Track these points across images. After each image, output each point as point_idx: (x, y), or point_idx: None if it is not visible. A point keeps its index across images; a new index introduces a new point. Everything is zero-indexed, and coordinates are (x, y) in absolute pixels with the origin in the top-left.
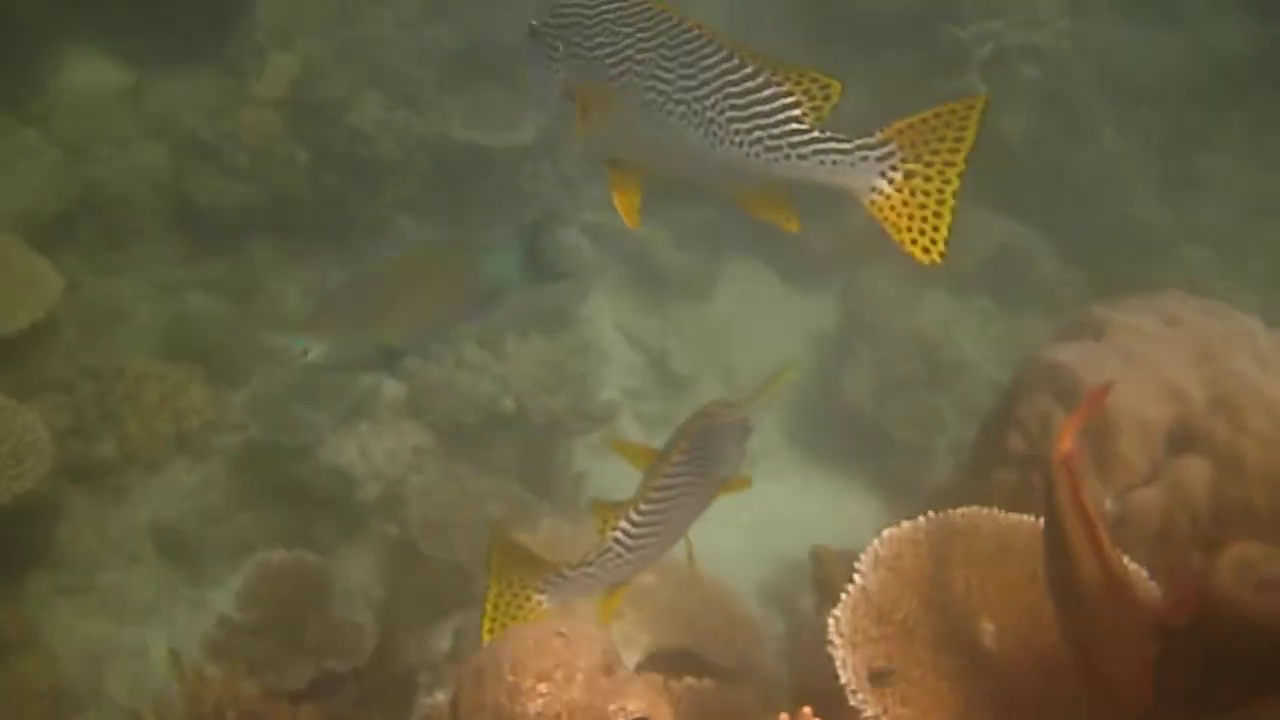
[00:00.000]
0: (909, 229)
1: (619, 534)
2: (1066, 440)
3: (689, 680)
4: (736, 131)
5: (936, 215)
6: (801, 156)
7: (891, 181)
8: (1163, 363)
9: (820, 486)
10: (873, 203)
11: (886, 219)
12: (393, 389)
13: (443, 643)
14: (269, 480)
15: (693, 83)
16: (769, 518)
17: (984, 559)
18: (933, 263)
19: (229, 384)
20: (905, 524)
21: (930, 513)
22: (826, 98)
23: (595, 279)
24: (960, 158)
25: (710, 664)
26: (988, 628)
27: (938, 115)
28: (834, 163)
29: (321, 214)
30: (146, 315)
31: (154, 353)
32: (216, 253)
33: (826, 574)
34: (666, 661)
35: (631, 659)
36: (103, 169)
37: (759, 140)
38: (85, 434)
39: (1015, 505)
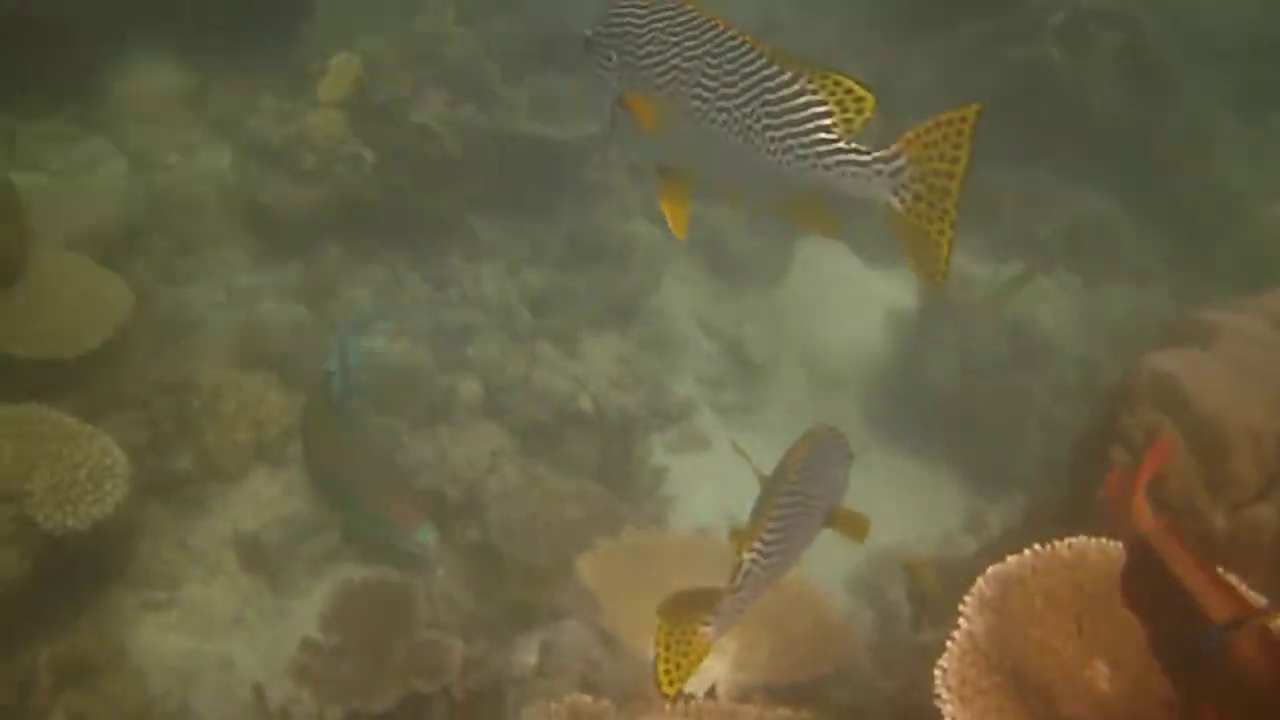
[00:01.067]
0: (917, 253)
1: (754, 555)
2: (1145, 514)
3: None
4: (771, 139)
5: (940, 235)
6: (826, 167)
7: (903, 201)
8: (1275, 371)
9: (905, 471)
10: (889, 220)
11: (902, 238)
12: (470, 389)
13: (529, 657)
14: None
15: (733, 90)
16: (856, 505)
17: (1095, 595)
18: (938, 286)
19: (305, 391)
20: (1010, 561)
21: (1036, 546)
22: (860, 110)
23: (667, 266)
24: (955, 183)
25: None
26: (1103, 670)
27: (939, 126)
28: (854, 174)
29: (390, 214)
30: (220, 323)
31: (229, 361)
32: (287, 256)
33: (922, 587)
34: (754, 670)
35: (720, 667)
36: (170, 175)
37: (790, 149)
38: (163, 449)
39: None
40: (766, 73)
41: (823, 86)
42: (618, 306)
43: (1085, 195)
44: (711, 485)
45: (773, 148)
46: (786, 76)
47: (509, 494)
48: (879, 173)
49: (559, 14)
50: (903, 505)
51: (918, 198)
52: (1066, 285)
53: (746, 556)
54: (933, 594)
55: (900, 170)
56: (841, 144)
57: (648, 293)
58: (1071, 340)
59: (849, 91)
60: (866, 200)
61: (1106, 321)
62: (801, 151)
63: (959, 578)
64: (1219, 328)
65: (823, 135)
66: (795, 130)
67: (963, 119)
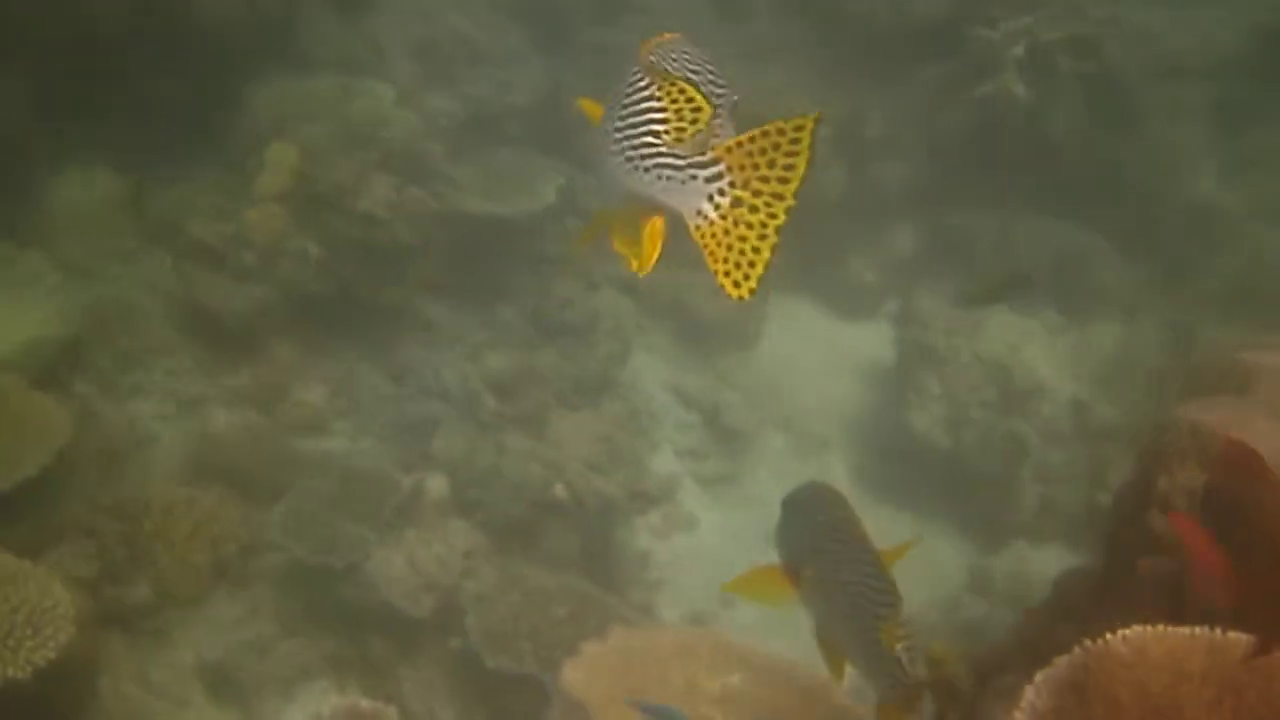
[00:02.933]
0: (725, 259)
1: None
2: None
3: None
4: (615, 141)
5: (755, 251)
6: (645, 170)
7: (717, 208)
8: None
9: (900, 530)
10: (696, 227)
11: (706, 246)
12: (436, 487)
13: None
14: (317, 603)
15: (617, 105)
16: None
17: (1161, 693)
18: (740, 298)
19: (264, 501)
20: (1060, 663)
21: (1086, 642)
22: (694, 120)
23: (635, 337)
24: (790, 190)
25: None
26: None
27: (767, 135)
28: (668, 179)
29: (342, 307)
30: (170, 437)
31: (181, 478)
32: (236, 360)
33: (948, 678)
34: None
35: None
36: (109, 287)
37: (623, 150)
38: (116, 578)
39: (1173, 600)
40: (631, 81)
41: (666, 94)
42: (587, 383)
43: (1063, 230)
44: (701, 566)
45: (613, 149)
46: (641, 83)
47: (487, 597)
48: (693, 177)
49: (497, 86)
50: (900, 567)
51: (736, 204)
52: (1051, 324)
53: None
54: (960, 687)
55: (718, 176)
56: (661, 148)
57: (618, 366)
58: (1061, 381)
59: (689, 100)
60: (674, 210)
61: (1095, 359)
62: (630, 154)
63: (990, 669)
64: (1256, 371)
65: (648, 139)
66: (631, 132)
67: (799, 127)
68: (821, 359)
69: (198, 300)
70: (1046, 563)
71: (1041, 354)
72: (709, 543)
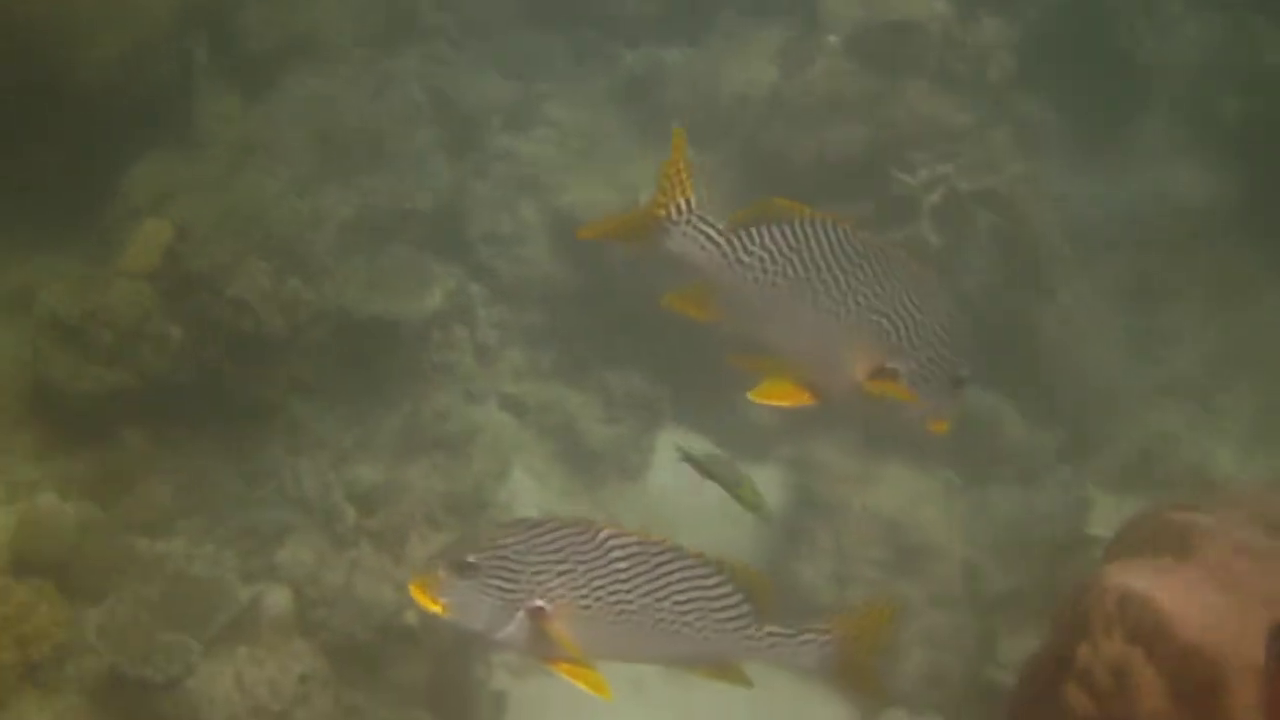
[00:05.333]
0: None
1: None
2: None
3: None
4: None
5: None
6: (757, 640)
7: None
8: (1276, 587)
9: (779, 691)
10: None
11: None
12: (277, 601)
13: None
14: (134, 717)
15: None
16: None
17: None
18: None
19: (89, 600)
20: None
21: None
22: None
23: (515, 458)
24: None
25: None
26: None
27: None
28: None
29: (201, 398)
30: None
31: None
32: (78, 445)
33: None
34: None
35: None
36: None
37: (725, 631)
38: None
39: None
40: (702, 578)
41: (734, 576)
42: (458, 502)
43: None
44: (558, 714)
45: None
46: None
47: None
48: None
49: (399, 187)
50: None
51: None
52: (949, 484)
53: None
54: None
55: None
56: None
57: (493, 487)
58: (954, 543)
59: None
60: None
61: (992, 523)
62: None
63: None
64: (1193, 532)
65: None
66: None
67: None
68: (708, 499)
69: (44, 377)
70: None
71: (937, 514)
72: (568, 691)
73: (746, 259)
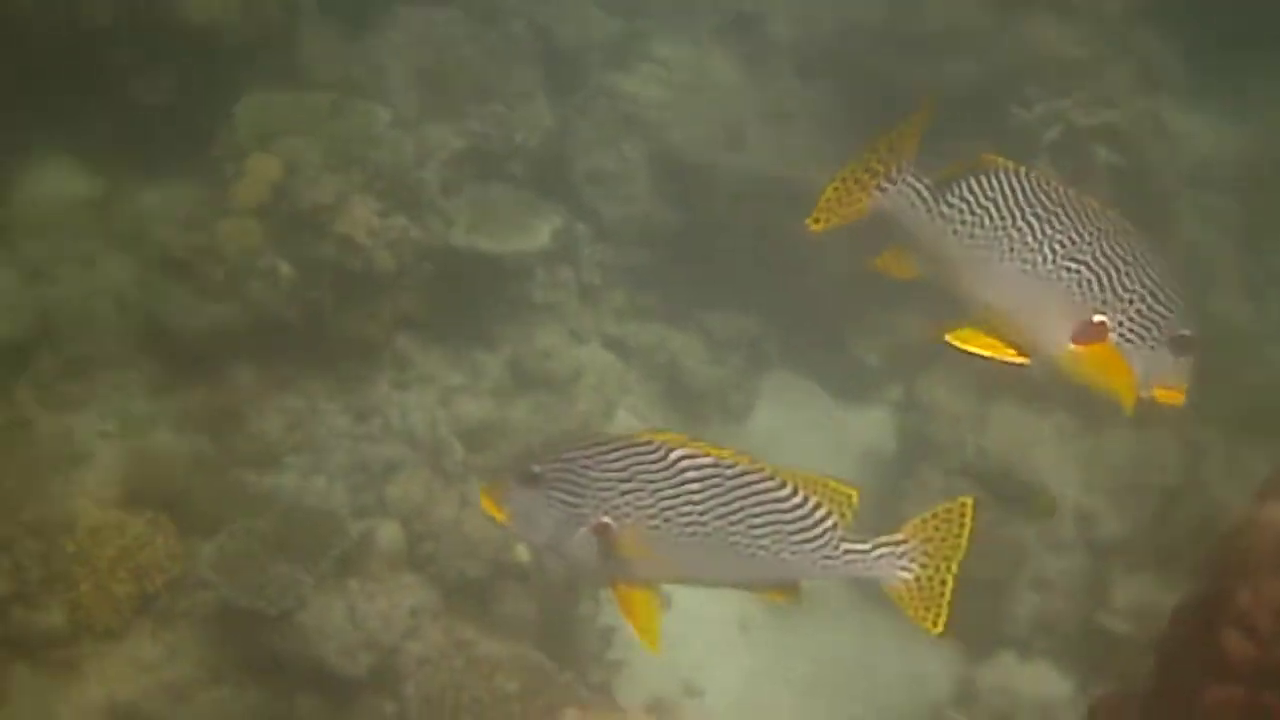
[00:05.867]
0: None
1: None
2: None
3: None
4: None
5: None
6: (836, 558)
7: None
8: None
9: (885, 632)
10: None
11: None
12: (388, 536)
13: None
14: (244, 650)
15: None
16: (827, 671)
17: None
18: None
19: (202, 534)
20: None
21: None
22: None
23: (620, 398)
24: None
25: None
26: None
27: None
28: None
29: (309, 335)
30: (108, 455)
31: (115, 499)
32: (190, 381)
33: None
34: None
35: None
36: (63, 290)
37: (804, 551)
38: (28, 600)
39: None
40: (779, 496)
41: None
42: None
43: None
44: (667, 649)
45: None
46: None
47: (431, 661)
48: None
49: (504, 125)
50: (882, 671)
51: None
52: (1062, 429)
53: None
54: None
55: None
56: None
57: (597, 426)
58: (1068, 489)
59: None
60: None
61: (1105, 468)
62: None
63: None
64: None
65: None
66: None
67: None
68: (815, 441)
69: (157, 313)
70: (1036, 679)
71: (1050, 457)
72: (677, 627)
73: (947, 211)
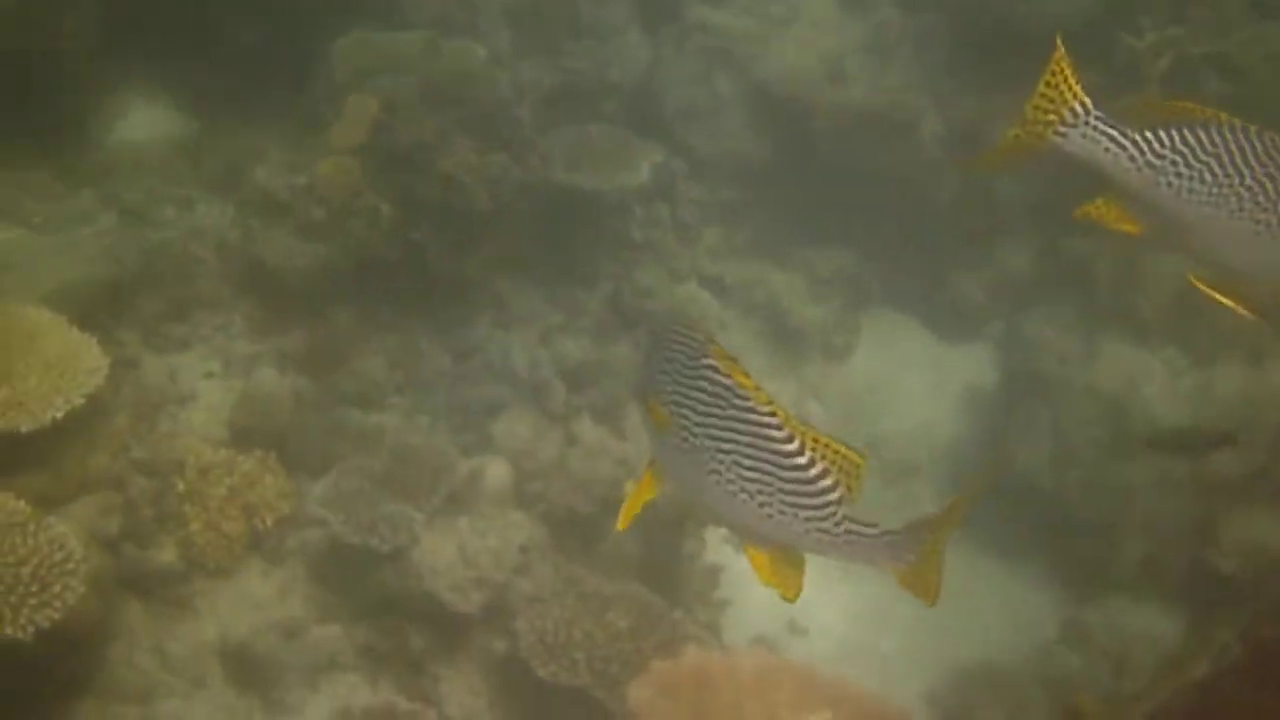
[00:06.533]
0: (914, 584)
1: None
2: None
3: None
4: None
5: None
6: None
7: (902, 569)
8: None
9: (988, 572)
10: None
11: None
12: (497, 474)
13: None
14: (355, 587)
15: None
16: (932, 613)
17: None
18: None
19: (309, 472)
20: None
21: None
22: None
23: (719, 335)
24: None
25: None
26: None
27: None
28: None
29: (409, 275)
30: (214, 395)
31: (222, 438)
32: (292, 322)
33: None
34: None
35: None
36: (164, 232)
37: (795, 516)
38: (141, 539)
39: None
40: (779, 445)
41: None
42: None
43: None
44: (766, 588)
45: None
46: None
47: (541, 599)
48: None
49: (597, 62)
50: (986, 611)
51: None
52: (1172, 364)
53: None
54: None
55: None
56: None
57: None
58: (1178, 424)
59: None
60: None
61: (1216, 404)
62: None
63: None
64: None
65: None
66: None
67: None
68: (916, 379)
69: (257, 254)
70: (1146, 621)
71: (1160, 394)
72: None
73: (1157, 162)
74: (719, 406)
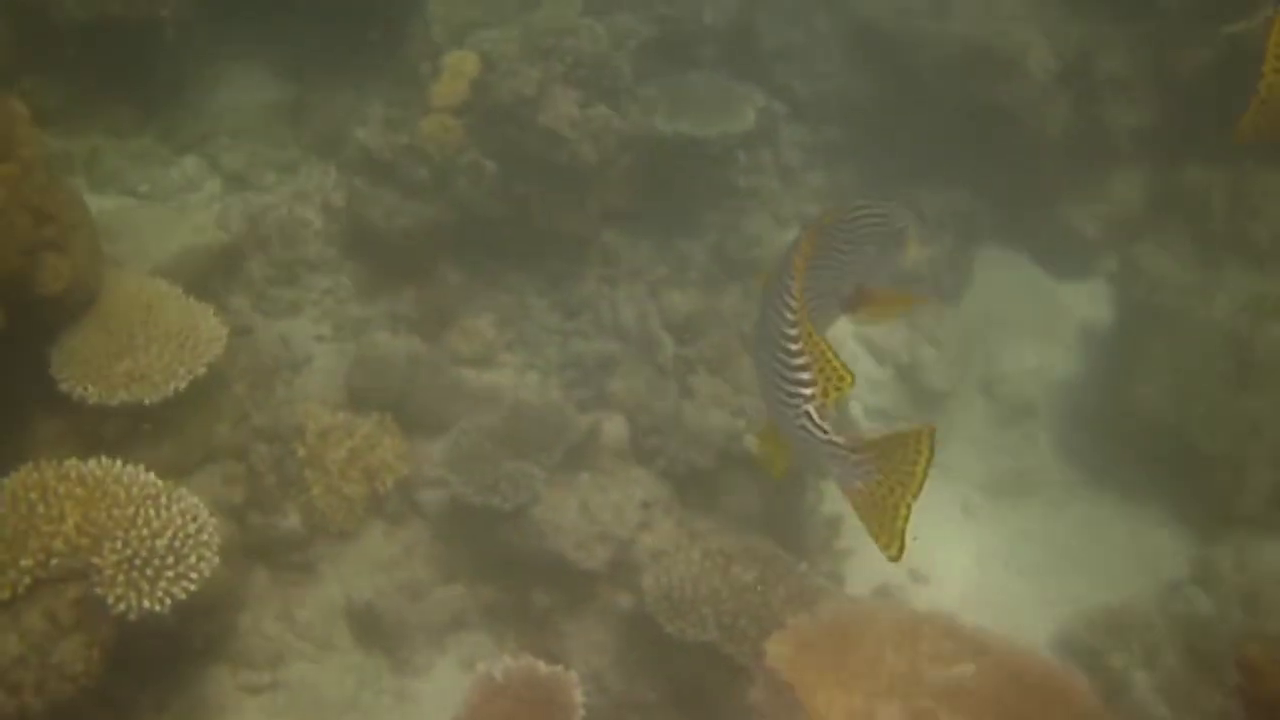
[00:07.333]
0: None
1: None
2: None
3: None
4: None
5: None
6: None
7: (860, 488)
8: None
9: (1111, 512)
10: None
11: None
12: (614, 429)
13: None
14: (479, 546)
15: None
16: (1056, 555)
17: None
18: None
19: (426, 433)
20: None
21: None
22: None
23: None
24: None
25: None
26: None
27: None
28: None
29: (515, 232)
30: (327, 358)
31: (338, 402)
32: (400, 282)
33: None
34: None
35: None
36: (268, 196)
37: (783, 401)
38: (264, 505)
39: None
40: (786, 327)
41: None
42: None
43: None
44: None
45: (776, 394)
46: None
47: (666, 554)
48: (845, 459)
49: (692, 6)
50: (1111, 552)
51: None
52: None
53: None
54: None
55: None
56: (823, 431)
57: None
58: None
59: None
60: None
61: None
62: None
63: None
64: None
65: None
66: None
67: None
68: (1030, 317)
69: (362, 216)
70: (1276, 556)
71: None
72: None
73: None
74: (779, 281)
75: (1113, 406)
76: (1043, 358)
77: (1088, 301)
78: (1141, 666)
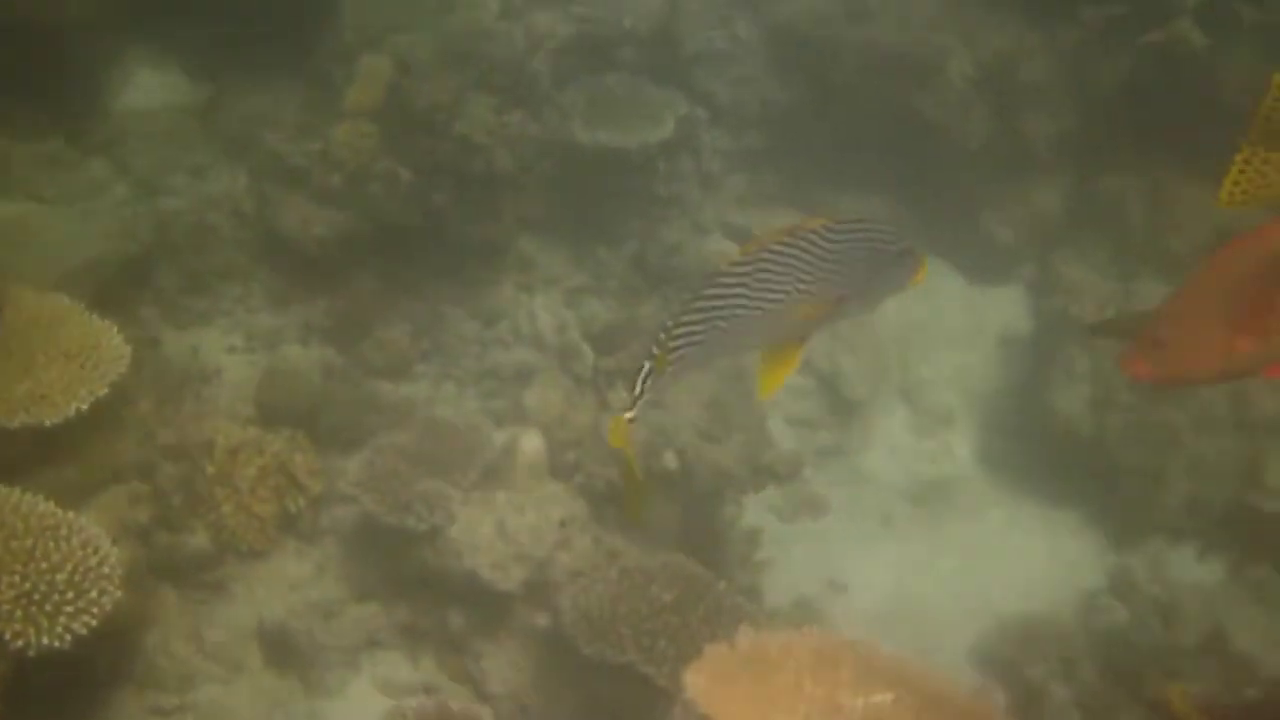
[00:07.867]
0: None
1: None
2: None
3: None
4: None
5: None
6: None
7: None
8: None
9: (1029, 521)
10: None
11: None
12: (531, 445)
13: None
14: (393, 565)
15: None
16: (973, 563)
17: None
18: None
19: (340, 448)
20: None
21: None
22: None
23: None
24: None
25: None
26: None
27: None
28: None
29: (431, 240)
30: (238, 370)
31: (248, 417)
32: (313, 292)
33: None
34: None
35: None
36: (177, 201)
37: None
38: (172, 525)
39: None
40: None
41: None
42: None
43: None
44: (806, 547)
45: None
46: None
47: (583, 574)
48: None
49: (612, 8)
50: (1030, 562)
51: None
52: None
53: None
54: None
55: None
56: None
57: None
58: None
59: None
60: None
61: None
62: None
63: None
64: None
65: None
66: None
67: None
68: (949, 325)
69: (274, 223)
70: (1193, 567)
71: None
72: (818, 524)
73: None
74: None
75: (1032, 415)
76: (963, 365)
77: (1008, 309)
78: (1059, 678)
